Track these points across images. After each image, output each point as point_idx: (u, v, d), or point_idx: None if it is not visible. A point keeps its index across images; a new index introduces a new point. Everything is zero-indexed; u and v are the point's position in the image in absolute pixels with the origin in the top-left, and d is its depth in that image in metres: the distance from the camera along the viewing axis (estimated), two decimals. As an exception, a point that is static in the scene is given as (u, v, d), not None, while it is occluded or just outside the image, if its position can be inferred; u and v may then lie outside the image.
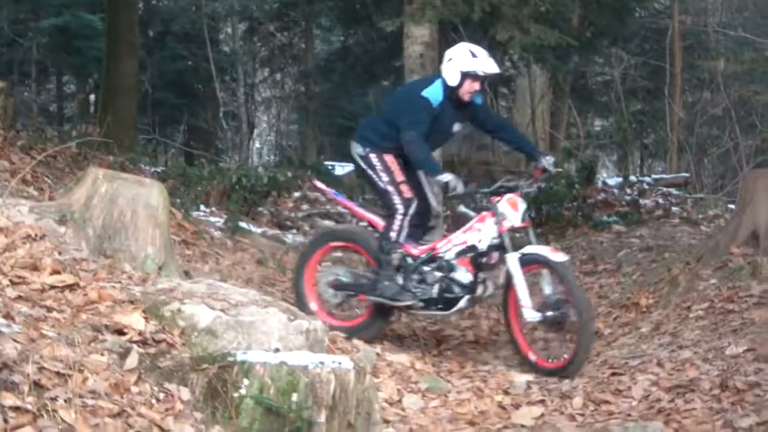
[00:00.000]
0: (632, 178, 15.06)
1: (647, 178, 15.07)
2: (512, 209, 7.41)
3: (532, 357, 7.33)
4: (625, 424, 6.09)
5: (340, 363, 4.48)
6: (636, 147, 20.41)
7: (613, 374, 7.26)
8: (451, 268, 7.59)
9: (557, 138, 19.06)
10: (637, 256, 10.64)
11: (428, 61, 9.79)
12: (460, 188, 7.28)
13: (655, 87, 19.79)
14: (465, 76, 7.56)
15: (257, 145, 26.35)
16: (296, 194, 13.56)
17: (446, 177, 7.25)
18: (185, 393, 4.32)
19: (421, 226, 7.96)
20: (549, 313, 7.24)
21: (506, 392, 6.73)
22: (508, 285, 7.41)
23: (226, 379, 4.31)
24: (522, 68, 17.78)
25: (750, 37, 17.97)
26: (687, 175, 16.27)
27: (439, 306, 7.63)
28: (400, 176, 7.66)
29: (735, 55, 19.21)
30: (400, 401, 6.00)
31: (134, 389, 4.29)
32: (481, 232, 7.50)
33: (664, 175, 16.07)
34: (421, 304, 7.64)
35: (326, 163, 17.68)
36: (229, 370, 4.33)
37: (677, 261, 9.48)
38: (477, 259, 7.53)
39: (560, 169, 7.79)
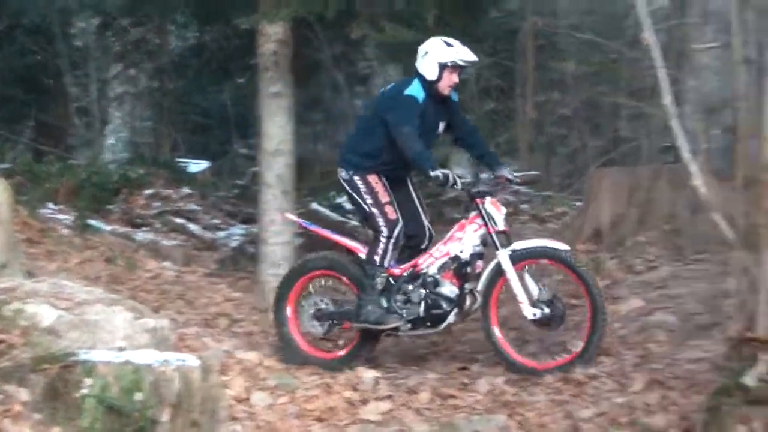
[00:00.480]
0: (482, 175, 15.18)
1: (492, 175, 15.23)
2: (497, 211, 7.34)
3: (515, 356, 7.17)
4: (470, 418, 6.18)
5: (185, 361, 4.46)
6: (490, 144, 20.60)
7: (460, 369, 7.35)
8: (436, 284, 7.42)
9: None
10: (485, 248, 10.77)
11: (282, 59, 9.73)
12: (459, 183, 7.22)
13: (507, 87, 19.98)
14: (443, 67, 7.44)
15: (111, 141, 25.95)
16: (148, 191, 13.37)
17: (443, 171, 7.13)
18: (24, 394, 4.25)
19: (413, 247, 7.66)
20: (546, 310, 7.09)
21: (354, 388, 6.74)
22: (494, 282, 7.26)
23: (67, 378, 4.25)
24: (378, 66, 17.86)
25: (599, 41, 18.25)
26: (536, 172, 16.46)
27: (428, 324, 7.43)
28: (384, 197, 7.46)
29: (584, 57, 19.59)
30: (248, 398, 5.98)
31: (-31, 391, 4.21)
32: (462, 241, 7.39)
33: (514, 173, 16.25)
34: (409, 324, 7.42)
35: (180, 160, 17.50)
36: (71, 370, 4.28)
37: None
38: (461, 269, 7.36)
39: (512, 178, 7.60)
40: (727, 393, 5.16)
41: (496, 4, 15.78)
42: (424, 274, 7.44)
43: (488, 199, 7.39)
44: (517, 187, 14.16)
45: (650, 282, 8.14)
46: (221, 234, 12.84)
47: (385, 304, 7.40)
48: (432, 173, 7.09)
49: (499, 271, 7.17)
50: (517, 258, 7.14)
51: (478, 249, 7.35)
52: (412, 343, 8.21)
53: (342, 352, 7.62)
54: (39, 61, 20.57)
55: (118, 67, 23.76)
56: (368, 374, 7.12)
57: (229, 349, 7.00)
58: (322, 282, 7.94)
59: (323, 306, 7.73)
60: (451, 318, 7.32)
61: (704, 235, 6.48)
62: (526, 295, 7.10)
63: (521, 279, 7.13)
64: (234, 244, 12.38)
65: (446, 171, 7.16)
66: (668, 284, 7.99)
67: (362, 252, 7.61)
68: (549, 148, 19.65)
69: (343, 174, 7.64)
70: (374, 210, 7.44)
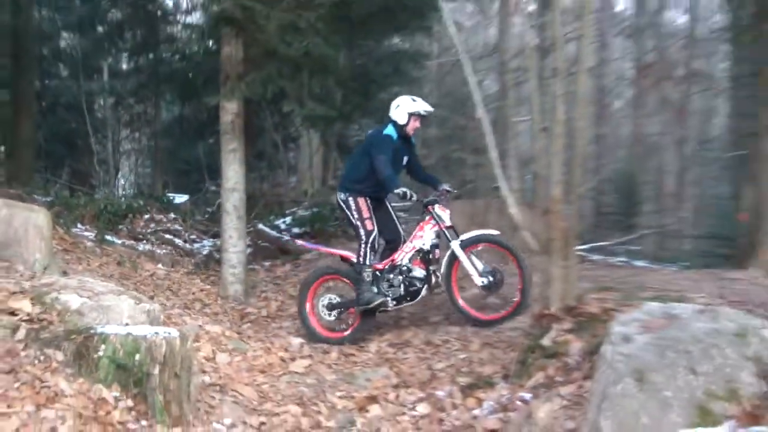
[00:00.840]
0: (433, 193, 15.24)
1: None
2: (444, 213, 7.34)
3: (476, 314, 7.22)
4: (363, 369, 6.22)
5: (169, 333, 4.43)
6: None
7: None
8: (409, 270, 7.42)
9: (327, 178, 19.16)
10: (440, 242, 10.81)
11: (237, 126, 9.65)
12: (414, 196, 7.17)
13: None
14: (411, 115, 7.47)
15: (121, 182, 25.58)
16: (146, 216, 13.21)
17: (403, 189, 7.07)
18: (59, 355, 4.22)
19: (393, 248, 7.63)
20: (490, 278, 7.14)
21: (286, 350, 6.76)
22: (450, 266, 7.27)
23: (89, 345, 4.23)
24: (302, 131, 17.85)
25: (445, 114, 18.51)
26: (410, 202, 16.57)
27: (408, 299, 7.41)
28: (366, 213, 7.41)
29: (441, 124, 19.86)
30: (214, 358, 5.95)
31: (22, 354, 4.17)
32: (423, 237, 7.39)
33: (396, 203, 16.32)
34: (394, 302, 7.42)
35: (169, 194, 17.25)
36: (91, 339, 4.25)
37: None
38: (426, 257, 7.37)
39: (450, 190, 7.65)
40: (531, 350, 5.28)
41: (384, 89, 15.86)
42: (400, 264, 7.45)
43: (437, 205, 7.41)
44: (397, 213, 14.23)
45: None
46: (197, 245, 12.74)
47: (375, 290, 7.38)
48: (396, 190, 7.08)
49: (453, 257, 7.23)
50: (464, 245, 7.22)
51: (435, 241, 7.37)
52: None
53: (348, 332, 7.55)
54: (73, 127, 20.33)
55: (126, 131, 23.51)
56: (296, 341, 7.13)
57: (201, 324, 6.96)
58: (330, 284, 7.93)
59: (333, 300, 7.73)
60: (423, 292, 7.36)
61: (520, 246, 6.57)
62: (475, 269, 7.16)
63: (469, 259, 7.19)
64: (205, 251, 12.29)
65: (405, 189, 7.11)
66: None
67: (352, 257, 7.61)
68: (419, 186, 19.76)
69: (340, 196, 7.61)
70: (358, 223, 7.45)
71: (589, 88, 6.95)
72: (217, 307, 8.82)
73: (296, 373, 6.09)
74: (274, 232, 13.07)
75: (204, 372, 5.45)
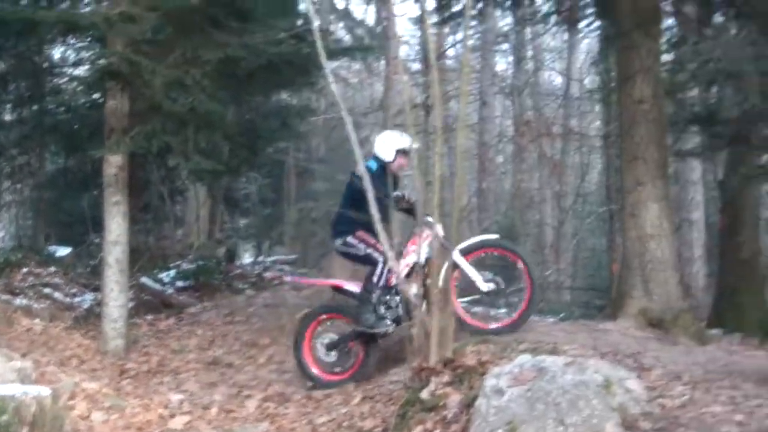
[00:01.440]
0: (259, 258, 15.18)
1: (269, 258, 15.25)
2: (437, 224, 6.99)
3: (479, 325, 7.10)
4: (243, 425, 6.11)
5: (40, 392, 4.26)
6: (267, 237, 20.58)
7: (239, 392, 7.26)
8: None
9: (214, 231, 18.90)
10: (260, 310, 10.69)
11: (121, 179, 9.45)
12: (414, 196, 7.01)
13: (278, 198, 20.08)
14: (398, 152, 7.34)
15: (0, 234, 24.69)
16: (24, 269, 12.72)
17: (401, 192, 7.09)
18: None
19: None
20: (495, 285, 7.04)
21: (166, 407, 6.58)
22: (449, 277, 6.80)
23: (-48, 406, 4.01)
24: (189, 184, 17.63)
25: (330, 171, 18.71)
26: (295, 256, 16.58)
27: (408, 318, 6.88)
28: (371, 240, 7.14)
29: (326, 179, 19.98)
30: (89, 416, 5.73)
31: None
32: (418, 251, 6.88)
33: (280, 256, 16.29)
34: (394, 325, 7.17)
35: (51, 247, 16.68)
36: (-45, 400, 4.04)
37: (285, 313, 9.64)
38: (421, 271, 6.87)
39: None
40: (411, 404, 5.28)
41: (271, 143, 15.86)
42: (395, 285, 7.13)
43: (427, 217, 6.90)
44: (282, 266, 14.20)
45: (368, 329, 8.22)
46: (78, 299, 12.30)
47: (375, 315, 7.18)
48: (393, 194, 6.96)
49: (452, 266, 6.87)
50: (465, 252, 7.08)
51: (429, 254, 6.89)
52: (206, 374, 8.07)
53: (355, 369, 7.30)
54: (-50, 178, 19.51)
55: (7, 183, 22.69)
56: (176, 397, 6.96)
57: (77, 381, 6.70)
58: (327, 324, 7.62)
59: (333, 338, 7.44)
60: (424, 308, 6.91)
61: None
62: (479, 276, 7.05)
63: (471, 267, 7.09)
64: (86, 305, 11.88)
65: (401, 192, 7.19)
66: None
67: (346, 284, 7.50)
68: (309, 239, 19.78)
69: (337, 243, 7.47)
70: (369, 251, 7.26)
71: (468, 144, 7.13)
72: (95, 363, 8.52)
73: (175, 430, 5.93)
74: (157, 286, 12.77)
75: (77, 431, 5.24)
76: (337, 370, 7.43)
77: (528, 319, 7.08)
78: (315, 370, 7.38)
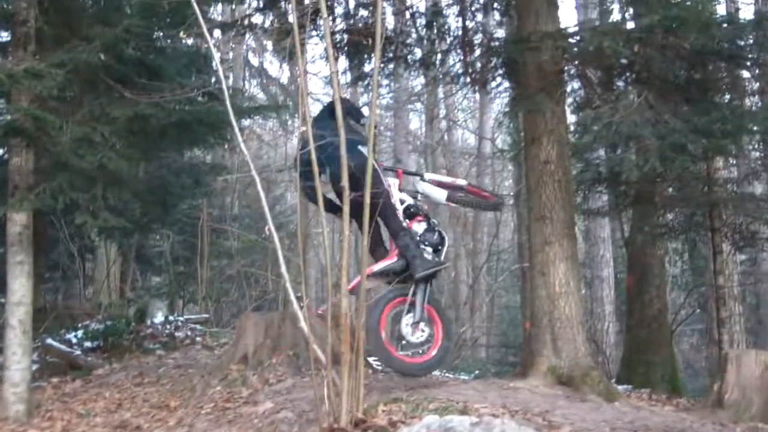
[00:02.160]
0: (170, 317, 14.89)
1: (181, 317, 14.96)
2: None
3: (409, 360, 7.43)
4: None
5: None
6: (179, 296, 20.27)
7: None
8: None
9: (125, 290, 18.52)
10: (171, 371, 10.44)
11: (25, 237, 9.19)
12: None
13: (191, 255, 19.83)
14: None
15: None
16: None
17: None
18: None
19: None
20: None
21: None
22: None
23: None
24: (99, 242, 17.29)
25: (244, 231, 18.59)
26: (207, 315, 16.32)
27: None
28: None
29: (239, 237, 19.87)
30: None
31: None
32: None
33: (192, 315, 16.02)
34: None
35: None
36: None
37: (196, 374, 9.44)
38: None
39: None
40: (319, 464, 5.23)
41: (183, 200, 15.70)
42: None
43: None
44: (194, 325, 13.99)
45: (279, 391, 8.15)
46: (-23, 362, 11.85)
47: (424, 255, 7.50)
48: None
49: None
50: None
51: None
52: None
53: (438, 346, 7.45)
54: None
55: None
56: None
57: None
58: (398, 308, 7.65)
59: (411, 314, 7.53)
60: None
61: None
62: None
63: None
64: (-14, 369, 11.45)
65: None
66: (290, 391, 8.02)
67: (393, 257, 7.59)
68: (219, 298, 19.54)
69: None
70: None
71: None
72: (-5, 431, 8.20)
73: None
74: (64, 347, 12.40)
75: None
76: (422, 350, 7.59)
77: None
78: (403, 359, 7.51)
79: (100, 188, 9.37)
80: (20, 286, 9.18)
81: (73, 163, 8.94)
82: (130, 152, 9.70)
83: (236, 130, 7.02)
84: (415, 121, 26.87)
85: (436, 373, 12.79)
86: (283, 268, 6.13)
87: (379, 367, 8.81)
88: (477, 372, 13.86)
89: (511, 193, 18.34)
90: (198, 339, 13.18)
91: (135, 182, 10.85)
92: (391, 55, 9.95)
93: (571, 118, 10.46)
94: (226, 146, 14.44)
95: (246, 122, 19.22)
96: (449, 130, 24.35)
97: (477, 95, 21.53)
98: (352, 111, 8.22)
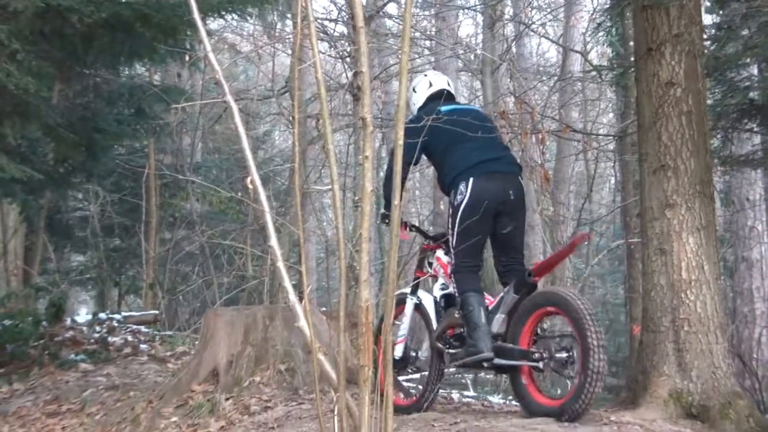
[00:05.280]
0: (102, 315, 14.96)
1: (117, 315, 15.02)
2: None
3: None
4: None
5: None
6: (113, 283, 20.36)
7: None
8: None
9: (30, 274, 18.61)
10: (102, 395, 10.49)
11: None
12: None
13: (131, 224, 19.92)
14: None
15: None
16: None
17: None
18: None
19: None
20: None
21: None
22: None
23: None
24: (-8, 202, 17.35)
25: (209, 185, 18.58)
26: (157, 312, 16.36)
27: None
28: None
29: (205, 196, 19.87)
30: None
31: None
32: None
33: (134, 313, 16.08)
34: None
35: None
36: None
37: (141, 399, 9.48)
38: None
39: None
40: None
41: (119, 140, 15.69)
42: None
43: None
44: (137, 327, 14.09)
45: (265, 422, 8.16)
46: None
47: None
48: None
49: None
50: None
51: None
52: None
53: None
54: None
55: None
56: None
57: None
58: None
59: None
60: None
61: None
62: None
63: None
64: None
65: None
66: (282, 424, 8.03)
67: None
68: (172, 287, 19.60)
69: None
70: None
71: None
72: None
73: None
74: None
75: None
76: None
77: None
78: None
79: (-5, 120, 9.39)
80: None
81: (-47, 82, 8.95)
82: (39, 65, 9.69)
83: (202, 32, 6.91)
84: (467, 24, 26.71)
85: (497, 398, 12.83)
86: (273, 240, 6.05)
87: (415, 389, 8.77)
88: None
89: (613, 133, 18.15)
90: (143, 347, 13.23)
91: (47, 112, 10.83)
92: None
93: (707, 19, 10.30)
94: (185, 59, 14.33)
95: (213, 25, 19.11)
96: (519, 39, 24.12)
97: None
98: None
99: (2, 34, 8.90)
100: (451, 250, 7.93)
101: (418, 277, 8.47)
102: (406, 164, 7.46)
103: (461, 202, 7.77)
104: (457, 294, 7.90)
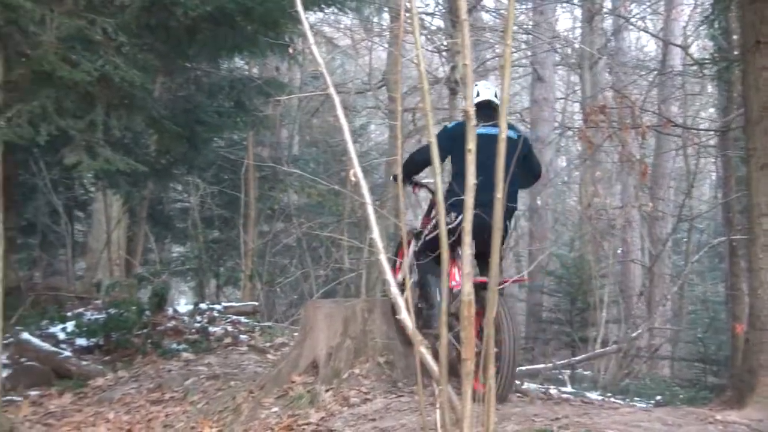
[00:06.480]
0: (202, 305, 15.07)
1: (217, 306, 15.11)
2: None
3: None
4: None
5: None
6: (212, 274, 20.52)
7: None
8: None
9: (133, 264, 18.83)
10: (204, 384, 10.57)
11: (-10, 185, 9.35)
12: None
13: (230, 216, 20.05)
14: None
15: None
16: None
17: None
18: None
19: None
20: None
21: None
22: None
23: None
24: (95, 193, 17.57)
25: (308, 176, 18.61)
26: (256, 303, 16.44)
27: None
28: None
29: (303, 188, 19.92)
30: None
31: None
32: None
33: (234, 303, 16.18)
34: None
35: None
36: None
37: (242, 389, 9.52)
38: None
39: None
40: None
41: (220, 132, 15.80)
42: None
43: None
44: (236, 317, 14.16)
45: (365, 414, 8.13)
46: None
47: None
48: None
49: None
50: None
51: None
52: None
53: None
54: None
55: None
56: None
57: None
58: None
59: None
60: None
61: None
62: None
63: None
64: (-65, 376, 11.80)
65: None
66: (382, 416, 8.00)
67: None
68: (271, 278, 19.70)
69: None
70: None
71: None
72: None
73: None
74: (47, 345, 12.67)
75: None
76: None
77: None
78: None
79: (101, 112, 9.47)
80: (-15, 254, 9.36)
81: (61, 74, 9.01)
82: (144, 58, 9.76)
83: (305, 25, 6.92)
84: (565, 18, 26.48)
85: (595, 395, 12.71)
86: (376, 233, 6.03)
87: (514, 384, 8.71)
88: (659, 397, 13.64)
89: (715, 128, 17.86)
90: (243, 337, 13.31)
91: (151, 104, 10.90)
92: None
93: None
94: (287, 52, 14.35)
95: (311, 18, 19.16)
96: (618, 32, 23.89)
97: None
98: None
99: (109, 28, 8.97)
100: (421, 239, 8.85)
101: (426, 224, 9.02)
102: (423, 162, 8.71)
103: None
104: (418, 276, 8.75)
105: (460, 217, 7.52)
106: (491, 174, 6.68)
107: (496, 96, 8.88)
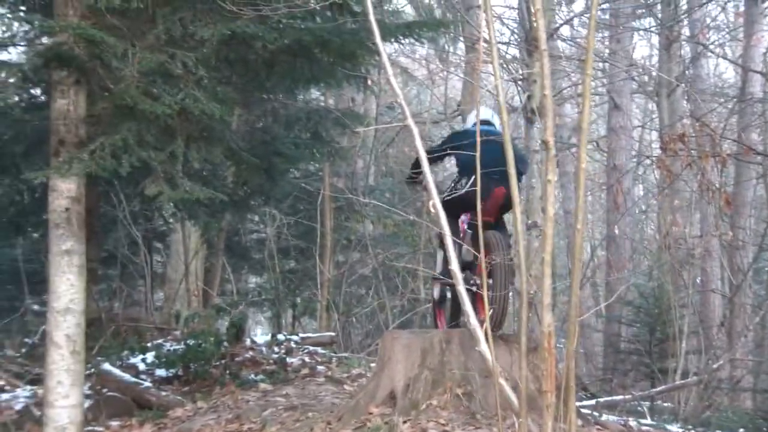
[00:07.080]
0: (280, 336, 15.14)
1: (295, 337, 15.19)
2: None
3: None
4: None
5: None
6: (288, 305, 20.59)
7: None
8: None
9: (211, 295, 18.99)
10: (282, 415, 10.59)
11: (75, 216, 9.42)
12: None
13: (307, 246, 20.14)
14: None
15: None
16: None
17: None
18: None
19: None
20: None
21: None
22: None
23: None
24: (174, 224, 17.74)
25: (384, 206, 18.64)
26: (333, 334, 16.50)
27: None
28: None
29: (379, 219, 19.98)
30: None
31: None
32: None
33: (311, 334, 16.26)
34: None
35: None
36: None
37: (319, 420, 9.52)
38: None
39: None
40: None
41: (297, 164, 15.90)
42: None
43: None
44: (313, 348, 14.21)
45: (442, 446, 8.13)
46: (5, 396, 12.39)
47: None
48: None
49: None
50: None
51: None
52: None
53: None
54: None
55: None
56: None
57: None
58: None
59: None
60: None
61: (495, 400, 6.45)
62: None
63: None
64: (19, 406, 11.95)
65: None
66: (461, 448, 7.99)
67: None
68: (348, 309, 19.74)
69: None
70: None
71: (592, 168, 7.06)
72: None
73: None
74: (127, 376, 12.81)
75: None
76: None
77: None
78: None
79: (181, 144, 9.56)
80: (68, 285, 9.45)
81: (142, 108, 9.13)
82: (223, 91, 9.84)
83: (384, 57, 7.00)
84: (642, 45, 26.32)
85: (676, 428, 12.58)
86: (454, 264, 6.07)
87: (593, 416, 8.67)
88: (742, 430, 13.45)
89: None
90: (320, 368, 13.35)
91: (229, 136, 11.01)
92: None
93: None
94: (363, 83, 14.44)
95: (388, 49, 19.24)
96: (696, 59, 23.70)
97: (741, 3, 20.85)
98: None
99: (189, 62, 9.09)
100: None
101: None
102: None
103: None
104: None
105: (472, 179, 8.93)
106: (491, 159, 7.11)
107: (492, 117, 9.96)
